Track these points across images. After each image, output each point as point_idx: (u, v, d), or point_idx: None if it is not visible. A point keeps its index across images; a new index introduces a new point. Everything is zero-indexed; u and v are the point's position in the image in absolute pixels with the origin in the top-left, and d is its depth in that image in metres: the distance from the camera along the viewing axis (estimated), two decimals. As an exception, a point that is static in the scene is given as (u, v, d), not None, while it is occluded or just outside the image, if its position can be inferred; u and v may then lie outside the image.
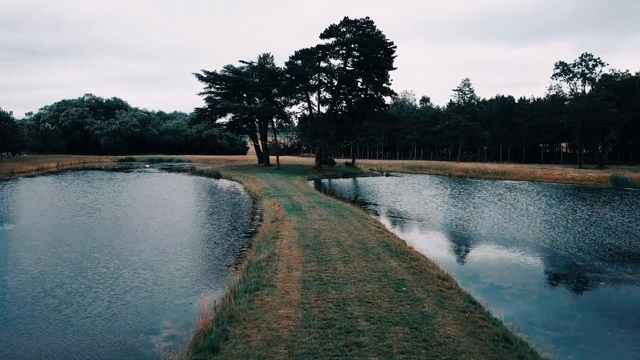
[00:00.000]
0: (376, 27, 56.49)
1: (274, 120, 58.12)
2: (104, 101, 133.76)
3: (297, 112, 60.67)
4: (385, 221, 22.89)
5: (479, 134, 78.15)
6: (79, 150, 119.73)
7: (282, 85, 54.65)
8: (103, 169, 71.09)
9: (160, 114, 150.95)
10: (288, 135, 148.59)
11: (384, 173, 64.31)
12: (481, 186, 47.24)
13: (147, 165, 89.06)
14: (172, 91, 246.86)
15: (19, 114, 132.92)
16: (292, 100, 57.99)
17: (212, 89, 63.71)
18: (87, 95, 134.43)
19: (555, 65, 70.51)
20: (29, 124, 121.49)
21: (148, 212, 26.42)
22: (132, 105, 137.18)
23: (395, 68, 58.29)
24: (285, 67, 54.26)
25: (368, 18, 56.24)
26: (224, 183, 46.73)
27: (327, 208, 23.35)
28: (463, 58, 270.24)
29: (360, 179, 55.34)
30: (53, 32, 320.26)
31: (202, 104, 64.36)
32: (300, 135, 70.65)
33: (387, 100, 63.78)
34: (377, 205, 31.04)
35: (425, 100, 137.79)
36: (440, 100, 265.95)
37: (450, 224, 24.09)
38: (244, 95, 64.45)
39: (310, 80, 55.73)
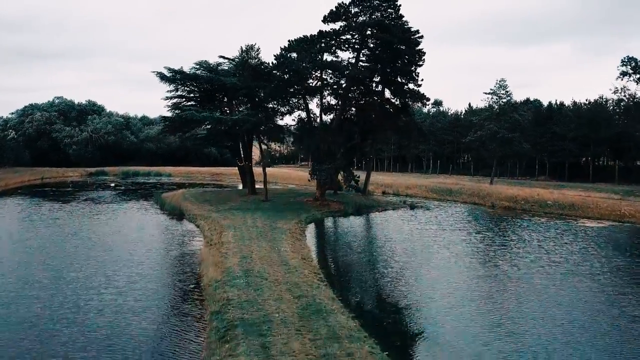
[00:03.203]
0: (400, 8, 41.03)
1: (261, 136, 42.36)
2: (76, 105, 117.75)
3: (291, 125, 45.07)
4: None
5: (519, 148, 62.56)
6: (45, 161, 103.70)
7: (271, 87, 38.94)
8: (29, 194, 55.42)
9: (143, 118, 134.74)
10: (285, 142, 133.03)
11: (406, 202, 48.79)
12: (566, 233, 31.81)
13: (112, 184, 73.50)
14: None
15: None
16: (285, 109, 42.19)
17: (181, 92, 48.22)
18: (57, 98, 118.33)
19: (622, 62, 55.19)
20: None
21: None
22: (111, 109, 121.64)
23: (422, 64, 42.77)
24: (275, 61, 38.52)
25: (389, -6, 40.77)
26: (177, 237, 31.23)
27: None
28: (465, 60, 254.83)
29: (378, 218, 39.82)
30: (54, 34, 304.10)
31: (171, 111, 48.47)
32: (299, 148, 55.02)
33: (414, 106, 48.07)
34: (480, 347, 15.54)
35: (437, 103, 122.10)
36: (452, 104, 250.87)
37: None
38: (224, 99, 48.98)
39: (310, 80, 40.13)
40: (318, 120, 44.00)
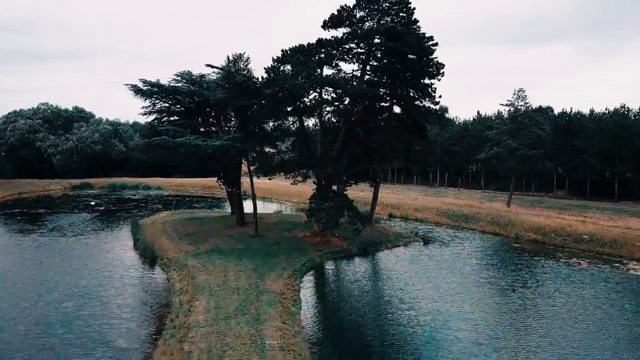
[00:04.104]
0: (414, 11, 34.83)
1: (249, 160, 35.99)
2: (62, 111, 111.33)
3: (285, 152, 38.83)
4: None
5: (540, 166, 56.38)
6: (29, 172, 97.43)
7: (261, 106, 32.70)
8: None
9: (135, 124, 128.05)
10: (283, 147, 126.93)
11: (418, 234, 42.59)
12: (619, 289, 25.62)
13: (93, 202, 67.26)
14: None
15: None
16: (276, 133, 35.85)
17: (159, 107, 42.08)
18: (42, 104, 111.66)
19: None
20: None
21: None
22: (109, 112, 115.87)
23: (440, 77, 36.53)
24: (266, 75, 32.26)
25: (401, -6, 34.58)
26: (136, 305, 25.04)
27: None
28: (464, 61, 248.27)
29: (389, 261, 33.55)
30: (50, 35, 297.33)
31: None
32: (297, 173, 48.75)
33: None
34: None
35: (443, 110, 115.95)
36: (454, 107, 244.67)
37: None
38: (212, 114, 42.79)
39: (306, 99, 33.88)
40: (317, 139, 37.87)
